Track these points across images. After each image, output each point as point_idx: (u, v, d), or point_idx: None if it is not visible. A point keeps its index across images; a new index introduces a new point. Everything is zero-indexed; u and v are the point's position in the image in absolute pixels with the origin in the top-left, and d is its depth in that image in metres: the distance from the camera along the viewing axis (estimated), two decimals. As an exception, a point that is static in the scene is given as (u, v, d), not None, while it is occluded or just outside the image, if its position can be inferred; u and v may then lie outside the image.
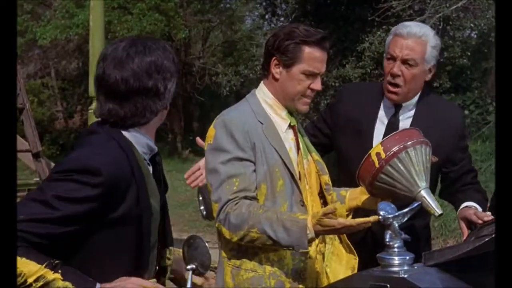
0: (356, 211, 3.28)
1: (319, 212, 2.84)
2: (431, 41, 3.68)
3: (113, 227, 2.36)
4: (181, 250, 2.94)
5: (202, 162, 3.48)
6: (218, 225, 3.00)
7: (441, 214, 3.02)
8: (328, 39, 3.13)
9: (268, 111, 3.17)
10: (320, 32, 3.12)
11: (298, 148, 3.21)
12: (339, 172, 3.81)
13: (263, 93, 3.22)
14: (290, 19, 21.78)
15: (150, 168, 2.55)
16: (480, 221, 3.37)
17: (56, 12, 22.57)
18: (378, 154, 3.05)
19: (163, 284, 2.80)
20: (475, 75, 18.89)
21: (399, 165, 3.00)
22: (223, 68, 24.15)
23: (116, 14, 21.27)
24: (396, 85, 3.63)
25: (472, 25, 16.91)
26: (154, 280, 2.59)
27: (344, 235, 3.26)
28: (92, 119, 8.28)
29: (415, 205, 2.77)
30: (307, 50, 3.08)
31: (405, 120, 3.70)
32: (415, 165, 2.99)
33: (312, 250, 3.13)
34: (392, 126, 3.64)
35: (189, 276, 2.88)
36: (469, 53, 17.67)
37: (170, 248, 2.82)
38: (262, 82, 3.27)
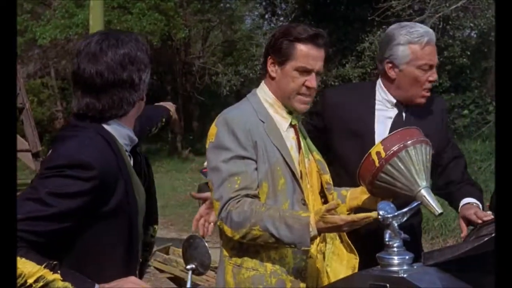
0: (357, 211, 3.26)
1: (322, 209, 2.84)
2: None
3: (106, 220, 2.38)
4: (180, 249, 2.95)
5: (201, 210, 3.48)
6: (219, 223, 2.99)
7: (441, 213, 3.02)
8: (323, 37, 3.12)
9: (269, 110, 3.18)
10: (314, 30, 3.13)
11: (299, 147, 3.21)
12: (333, 173, 3.81)
13: (263, 92, 3.23)
14: (290, 19, 21.79)
15: (131, 160, 2.58)
16: (479, 221, 3.37)
17: (56, 11, 22.59)
18: (378, 153, 3.05)
19: (146, 260, 2.83)
20: (475, 74, 18.91)
21: (399, 164, 3.00)
22: (223, 68, 24.18)
23: (116, 13, 21.29)
24: (430, 91, 3.75)
25: (471, 24, 16.92)
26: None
27: (345, 234, 3.26)
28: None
29: (415, 204, 2.77)
30: (300, 47, 3.09)
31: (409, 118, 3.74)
32: (415, 164, 3.00)
33: (313, 249, 3.13)
34: (397, 125, 3.65)
35: (189, 276, 2.88)
36: (468, 53, 17.69)
37: (155, 226, 2.83)
38: (263, 81, 3.28)
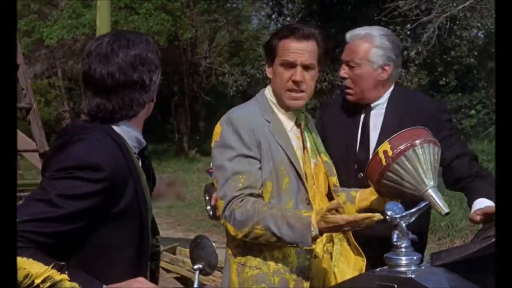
0: (366, 212, 3.25)
1: (323, 208, 2.86)
2: (375, 41, 3.71)
3: (115, 221, 2.39)
4: (187, 249, 2.95)
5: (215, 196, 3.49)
6: (223, 222, 3.02)
7: (448, 213, 3.01)
8: (306, 30, 3.12)
9: (274, 110, 3.20)
10: (297, 25, 3.19)
11: (304, 147, 3.22)
12: None
13: (269, 93, 3.26)
14: (297, 19, 21.78)
15: (139, 162, 2.58)
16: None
17: (63, 12, 22.63)
18: (385, 152, 3.04)
19: (157, 267, 2.83)
20: (482, 74, 18.86)
21: (406, 163, 2.99)
22: (229, 68, 24.19)
23: (123, 14, 21.32)
24: (348, 88, 3.77)
25: (479, 24, 16.88)
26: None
27: (352, 237, 3.27)
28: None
29: (423, 205, 2.77)
30: (282, 43, 3.13)
31: (378, 118, 3.73)
32: (422, 164, 2.99)
33: (319, 249, 3.14)
34: (364, 126, 3.71)
35: (196, 276, 2.88)
36: (476, 53, 17.66)
37: (157, 236, 2.82)
38: (269, 85, 3.31)
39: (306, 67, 3.11)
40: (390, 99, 3.81)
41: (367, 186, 3.30)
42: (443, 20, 16.63)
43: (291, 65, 3.11)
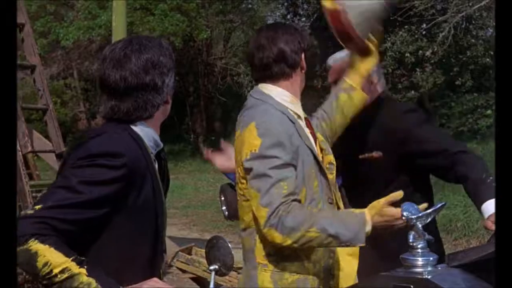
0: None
1: (381, 201, 2.87)
2: None
3: (133, 215, 2.43)
4: (203, 250, 2.95)
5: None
6: (267, 230, 2.91)
7: None
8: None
9: (289, 108, 3.18)
10: None
11: (315, 137, 3.23)
12: None
13: (278, 93, 3.20)
14: (312, 19, 21.77)
15: (156, 165, 2.61)
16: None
17: (79, 13, 22.73)
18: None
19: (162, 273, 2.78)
20: (498, 74, 18.76)
21: None
22: (244, 68, 24.17)
23: (138, 14, 21.38)
24: None
25: (495, 24, 16.80)
26: None
27: None
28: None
29: (439, 205, 2.76)
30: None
31: None
32: None
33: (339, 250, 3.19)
34: None
35: (212, 276, 2.88)
36: (492, 52, 17.57)
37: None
38: (269, 84, 3.24)
39: None
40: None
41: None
42: (459, 20, 16.57)
43: None
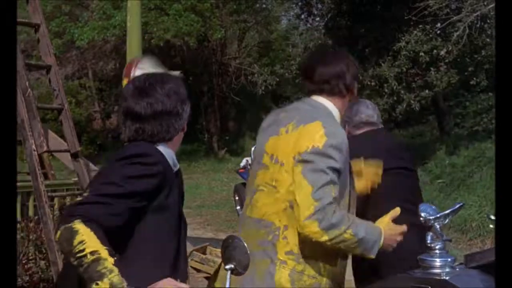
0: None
1: (386, 216, 3.11)
2: None
3: (163, 213, 2.63)
4: (218, 249, 2.96)
5: None
6: (309, 222, 2.99)
7: None
8: None
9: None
10: None
11: None
12: None
13: (331, 109, 3.34)
14: (326, 19, 21.74)
15: None
16: None
17: (94, 13, 22.79)
18: None
19: None
20: (514, 74, 18.66)
21: None
22: (258, 68, 24.17)
23: (153, 15, 21.41)
24: None
25: (510, 23, 16.71)
26: None
27: None
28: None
29: (457, 206, 2.75)
30: None
31: None
32: None
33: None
34: None
35: (227, 276, 2.88)
36: (507, 52, 17.48)
37: None
38: (325, 97, 3.36)
39: None
40: None
41: None
42: (474, 19, 16.49)
43: None
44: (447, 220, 2.67)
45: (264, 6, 26.98)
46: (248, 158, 14.95)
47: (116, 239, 2.46)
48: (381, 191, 3.64)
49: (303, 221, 2.98)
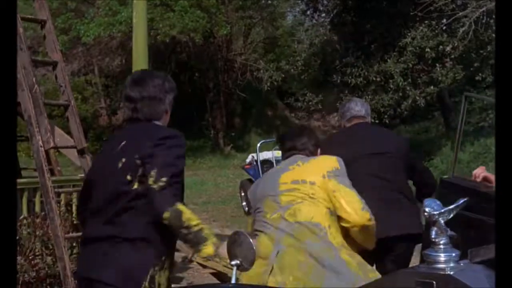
0: None
1: None
2: None
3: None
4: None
5: None
6: (365, 212, 3.86)
7: None
8: None
9: None
10: None
11: None
12: None
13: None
14: (332, 15, 21.72)
15: None
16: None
17: (100, 9, 22.81)
18: None
19: None
20: (520, 69, 18.62)
21: None
22: (264, 64, 24.17)
23: (159, 11, 21.42)
24: None
25: (516, 18, 16.67)
26: None
27: None
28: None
29: (461, 201, 2.75)
30: None
31: None
32: None
33: None
34: None
35: (233, 272, 2.90)
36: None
37: None
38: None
39: None
40: None
41: None
42: (480, 15, 16.46)
43: None
44: (451, 215, 2.67)
45: (269, 2, 26.97)
46: (254, 154, 14.96)
47: None
48: (362, 171, 4.53)
49: (360, 211, 3.87)
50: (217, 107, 25.91)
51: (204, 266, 7.89)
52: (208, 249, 3.20)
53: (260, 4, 26.03)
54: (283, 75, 23.63)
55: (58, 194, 6.56)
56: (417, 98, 18.91)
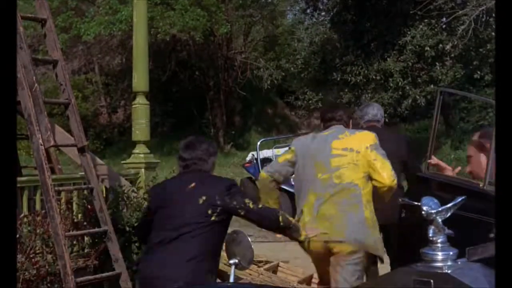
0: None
1: None
2: None
3: None
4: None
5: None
6: (394, 178, 4.96)
7: None
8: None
9: None
10: None
11: None
12: None
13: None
14: (332, 13, 21.71)
15: None
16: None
17: (100, 8, 22.79)
18: None
19: None
20: (520, 68, 18.60)
21: None
22: (264, 63, 24.16)
23: (159, 9, 21.40)
24: None
25: (516, 17, 16.65)
26: None
27: None
28: (136, 113, 8.37)
29: (459, 200, 2.76)
30: None
31: None
32: None
33: None
34: None
35: (232, 270, 2.91)
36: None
37: None
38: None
39: None
40: None
41: None
42: (479, 13, 16.47)
43: None
44: (448, 214, 2.68)
45: (269, 0, 26.93)
46: (254, 153, 14.95)
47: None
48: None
49: (391, 177, 4.88)
50: (217, 106, 25.89)
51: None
52: (303, 234, 4.73)
53: (260, 2, 25.99)
54: (283, 74, 23.63)
55: (58, 192, 6.57)
56: (417, 97, 18.91)
